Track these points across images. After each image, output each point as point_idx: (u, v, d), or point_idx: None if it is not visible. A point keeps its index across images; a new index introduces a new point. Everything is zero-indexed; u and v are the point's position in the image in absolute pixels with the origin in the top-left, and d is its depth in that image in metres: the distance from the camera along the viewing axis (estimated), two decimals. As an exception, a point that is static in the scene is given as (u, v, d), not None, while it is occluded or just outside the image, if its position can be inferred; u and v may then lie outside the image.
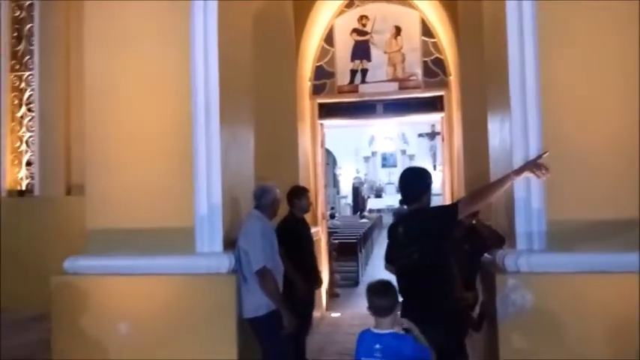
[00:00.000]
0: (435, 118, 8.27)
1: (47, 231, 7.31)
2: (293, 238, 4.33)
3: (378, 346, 2.59)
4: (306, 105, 7.32)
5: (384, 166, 28.64)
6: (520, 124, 3.26)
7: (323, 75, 7.47)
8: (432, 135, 21.43)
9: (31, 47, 8.24)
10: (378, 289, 2.69)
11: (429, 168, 21.28)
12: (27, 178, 8.39)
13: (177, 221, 3.61)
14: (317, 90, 7.48)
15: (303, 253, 4.53)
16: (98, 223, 3.75)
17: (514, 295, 3.04)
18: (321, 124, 7.75)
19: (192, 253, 3.57)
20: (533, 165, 2.96)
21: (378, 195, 28.24)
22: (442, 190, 7.87)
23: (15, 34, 8.35)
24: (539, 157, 3.00)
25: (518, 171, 3.00)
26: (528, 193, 3.19)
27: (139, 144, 3.74)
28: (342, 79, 7.43)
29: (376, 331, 2.65)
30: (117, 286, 3.57)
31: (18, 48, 8.34)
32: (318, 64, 7.49)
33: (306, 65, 7.26)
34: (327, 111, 7.63)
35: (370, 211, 25.61)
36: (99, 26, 3.86)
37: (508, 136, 3.36)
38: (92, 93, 3.89)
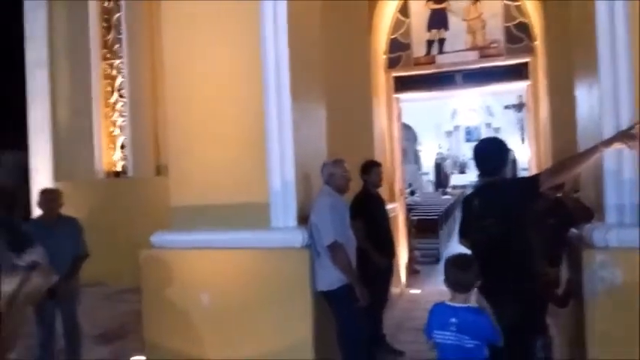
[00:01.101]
0: (520, 87, 7.81)
1: (138, 209, 7.81)
2: (366, 212, 4.31)
3: (453, 319, 2.52)
4: (381, 79, 7.18)
5: (467, 140, 27.62)
6: (610, 90, 2.99)
7: (398, 47, 7.28)
8: (520, 106, 20.25)
9: (120, 36, 8.73)
10: (459, 263, 2.60)
11: (517, 141, 20.35)
12: (121, 160, 9.00)
13: (253, 197, 3.71)
14: (392, 63, 7.31)
15: (377, 227, 4.49)
16: (181, 201, 3.95)
17: (602, 272, 2.83)
18: (397, 98, 7.58)
19: (267, 227, 3.66)
20: (624, 136, 2.72)
21: (462, 171, 27.39)
22: (529, 164, 7.46)
23: (105, 24, 8.87)
24: (632, 127, 2.75)
25: (608, 142, 2.77)
26: (619, 165, 2.93)
27: (216, 125, 3.87)
28: (418, 50, 7.20)
29: (452, 304, 2.57)
30: (198, 259, 3.75)
31: (108, 37, 8.87)
32: (392, 36, 7.30)
33: (380, 38, 7.10)
34: (403, 84, 7.44)
35: (453, 187, 24.93)
36: (174, 11, 4.01)
37: (597, 104, 3.10)
38: (171, 78, 4.08)
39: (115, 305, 6.56)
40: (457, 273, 2.56)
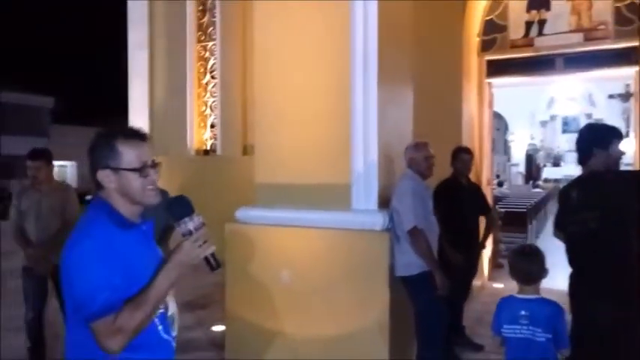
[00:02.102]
0: (627, 74, 7.15)
1: (225, 186, 8.10)
2: (448, 201, 4.15)
3: (523, 312, 2.41)
4: (473, 62, 6.86)
5: (564, 131, 25.92)
6: None
7: (493, 29, 6.90)
8: (626, 96, 18.70)
9: (214, 19, 9.02)
10: (526, 253, 2.50)
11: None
12: (211, 139, 9.37)
13: (335, 178, 3.70)
14: (486, 46, 6.95)
15: (460, 217, 4.30)
16: (265, 178, 4.03)
17: None
18: (489, 84, 7.22)
19: (348, 209, 3.65)
20: None
21: (556, 163, 25.79)
22: (633, 159, 6.83)
23: (200, 8, 9.21)
24: None
25: None
26: None
27: (302, 104, 3.88)
28: (516, 32, 6.78)
29: (521, 296, 2.45)
30: (280, 235, 3.82)
31: (203, 20, 9.21)
32: (487, 17, 6.93)
33: (474, 20, 6.78)
34: (497, 68, 7.05)
35: (545, 180, 23.58)
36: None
37: None
38: (260, 58, 4.14)
39: (201, 276, 6.87)
40: (525, 263, 2.47)
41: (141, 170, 1.55)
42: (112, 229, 1.51)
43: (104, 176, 1.55)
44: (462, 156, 4.51)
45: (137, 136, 1.59)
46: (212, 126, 9.33)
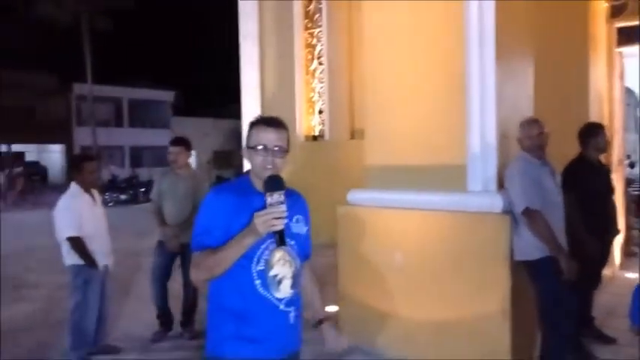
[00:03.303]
0: None
1: (333, 171, 8.21)
2: (584, 181, 3.81)
3: None
4: (601, 30, 6.23)
5: None
6: None
7: (624, -7, 6.22)
8: None
9: (320, 6, 9.10)
10: None
11: None
12: (319, 124, 9.53)
13: (450, 158, 3.58)
14: (615, 12, 6.28)
15: (595, 199, 3.93)
16: (377, 160, 4.01)
17: None
18: (620, 53, 6.54)
19: (464, 190, 3.51)
20: None
21: (696, 142, 22.84)
22: None
23: (307, -5, 9.34)
24: None
25: None
26: None
27: (414, 83, 3.79)
28: (651, -6, 6.05)
29: None
30: (392, 218, 3.79)
31: (309, 8, 9.33)
32: (617, -20, 6.26)
33: (601, -16, 6.16)
34: (629, 36, 6.36)
35: (684, 161, 20.99)
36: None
37: None
38: (371, 39, 4.10)
39: (313, 258, 7.07)
40: None
41: (257, 149, 1.79)
42: (235, 192, 1.82)
43: (244, 152, 1.90)
44: (597, 133, 4.09)
45: (265, 122, 1.83)
46: (320, 112, 9.47)
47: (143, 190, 18.81)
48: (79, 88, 31.63)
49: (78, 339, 3.77)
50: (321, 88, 9.36)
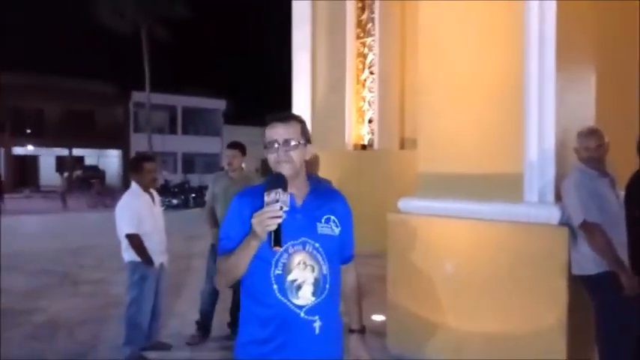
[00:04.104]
0: None
1: (382, 180, 8.17)
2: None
3: None
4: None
5: None
6: None
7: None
8: None
9: (373, 15, 9.14)
10: None
11: None
12: (368, 133, 9.52)
13: (505, 167, 3.50)
14: (685, 20, 5.97)
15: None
16: (429, 167, 3.96)
17: None
18: (690, 63, 6.19)
19: (519, 200, 3.42)
20: None
21: None
22: None
23: (359, 5, 9.39)
24: None
25: None
26: None
27: (469, 90, 3.74)
28: None
29: None
30: (444, 227, 3.73)
31: (362, 17, 9.38)
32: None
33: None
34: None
35: None
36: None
37: None
38: (425, 46, 4.07)
39: (358, 268, 7.00)
40: None
41: (268, 147, 1.75)
42: (256, 195, 1.71)
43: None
44: None
45: (274, 119, 1.78)
46: (369, 121, 9.47)
47: (194, 195, 19.32)
48: (136, 96, 32.94)
49: (132, 334, 3.89)
50: (372, 97, 9.36)
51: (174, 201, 18.95)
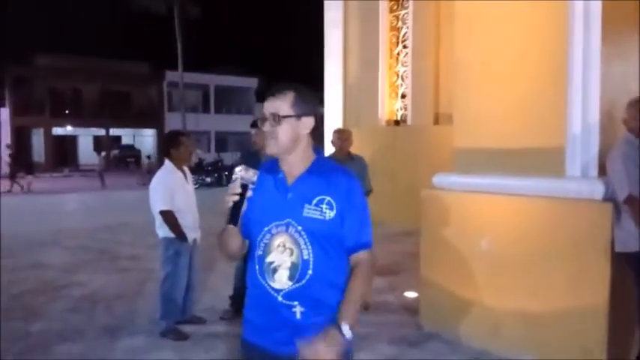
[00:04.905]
0: None
1: (416, 156, 8.02)
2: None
3: None
4: None
5: None
6: None
7: None
8: None
9: (407, -14, 8.88)
10: None
11: None
12: (402, 109, 9.34)
13: (546, 141, 3.35)
14: None
15: None
16: (465, 142, 3.84)
17: None
18: None
19: (560, 175, 3.27)
20: None
21: None
22: None
23: (394, -23, 9.14)
24: None
25: None
26: None
27: (508, 62, 3.58)
28: None
29: None
30: (480, 203, 3.62)
31: (396, -11, 9.13)
32: None
33: None
34: None
35: None
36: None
37: None
38: (462, 17, 3.91)
39: (391, 245, 6.98)
40: None
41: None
42: (265, 171, 1.66)
43: None
44: None
45: (268, 92, 1.66)
46: (403, 96, 9.29)
47: (227, 173, 19.50)
48: (170, 76, 33.29)
49: (167, 308, 3.96)
50: (405, 71, 9.16)
51: (208, 179, 19.18)
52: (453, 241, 3.73)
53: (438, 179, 3.92)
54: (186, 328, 4.06)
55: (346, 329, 1.52)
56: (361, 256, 1.64)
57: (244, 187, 1.54)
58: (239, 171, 1.53)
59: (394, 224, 7.63)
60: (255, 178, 1.55)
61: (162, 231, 3.91)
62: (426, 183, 4.07)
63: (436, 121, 8.64)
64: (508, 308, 3.41)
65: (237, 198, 1.52)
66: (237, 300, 4.45)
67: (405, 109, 9.21)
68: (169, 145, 4.03)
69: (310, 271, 1.57)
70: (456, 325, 3.71)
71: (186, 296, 4.10)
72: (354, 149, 4.87)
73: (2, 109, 31.08)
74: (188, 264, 4.03)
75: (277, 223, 1.60)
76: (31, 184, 18.51)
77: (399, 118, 9.31)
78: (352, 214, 1.62)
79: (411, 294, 4.79)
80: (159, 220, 3.90)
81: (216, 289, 5.10)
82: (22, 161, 20.34)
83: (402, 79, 9.24)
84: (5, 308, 4.64)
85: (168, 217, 3.83)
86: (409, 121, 9.03)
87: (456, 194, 3.77)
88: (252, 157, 1.55)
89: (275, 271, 1.59)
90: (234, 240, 1.64)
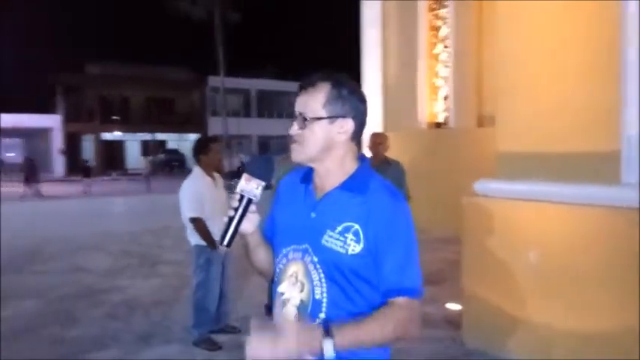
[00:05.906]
0: None
1: (459, 160, 7.73)
2: None
3: None
4: None
5: None
6: None
7: None
8: None
9: (447, -15, 8.62)
10: None
11: None
12: (443, 111, 9.06)
13: (598, 145, 3.09)
14: None
15: None
16: (509, 147, 3.61)
17: None
18: None
19: (615, 181, 3.01)
20: None
21: None
22: None
23: (433, -25, 8.89)
24: None
25: None
26: None
27: (556, 61, 3.35)
28: None
29: None
30: (526, 211, 3.38)
31: (436, -12, 8.88)
32: None
33: None
34: None
35: None
36: None
37: None
38: (504, 14, 3.70)
39: (431, 253, 6.73)
40: None
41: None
42: (296, 177, 1.44)
43: None
44: None
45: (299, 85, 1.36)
46: (445, 98, 9.01)
47: (269, 177, 19.62)
48: (212, 81, 33.93)
49: (200, 317, 3.90)
50: (446, 72, 8.88)
51: (249, 183, 19.37)
52: (497, 252, 3.50)
53: (480, 185, 3.70)
54: (220, 338, 3.99)
55: (328, 345, 1.14)
56: (400, 301, 1.24)
57: (249, 200, 1.30)
58: (240, 181, 1.30)
59: (434, 231, 7.37)
60: (258, 191, 1.30)
61: (194, 238, 3.86)
62: (468, 189, 3.85)
63: (480, 124, 8.33)
64: (558, 326, 3.16)
65: (232, 213, 1.30)
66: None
67: (447, 111, 8.93)
68: (198, 151, 3.99)
69: (323, 315, 1.25)
70: (502, 341, 3.48)
71: (219, 305, 4.04)
72: (393, 153, 4.71)
73: (55, 115, 32.51)
74: (221, 272, 3.96)
75: (295, 247, 1.33)
76: (91, 187, 19.34)
77: (440, 121, 9.04)
78: (393, 251, 1.25)
79: (453, 306, 4.56)
80: (189, 228, 3.85)
81: (251, 298, 5.03)
82: (79, 166, 21.19)
83: (444, 80, 8.96)
84: (43, 313, 4.71)
85: (198, 224, 3.78)
86: (451, 124, 8.75)
87: (500, 202, 3.54)
88: (265, 163, 1.22)
89: (284, 304, 1.30)
90: (259, 253, 1.40)
